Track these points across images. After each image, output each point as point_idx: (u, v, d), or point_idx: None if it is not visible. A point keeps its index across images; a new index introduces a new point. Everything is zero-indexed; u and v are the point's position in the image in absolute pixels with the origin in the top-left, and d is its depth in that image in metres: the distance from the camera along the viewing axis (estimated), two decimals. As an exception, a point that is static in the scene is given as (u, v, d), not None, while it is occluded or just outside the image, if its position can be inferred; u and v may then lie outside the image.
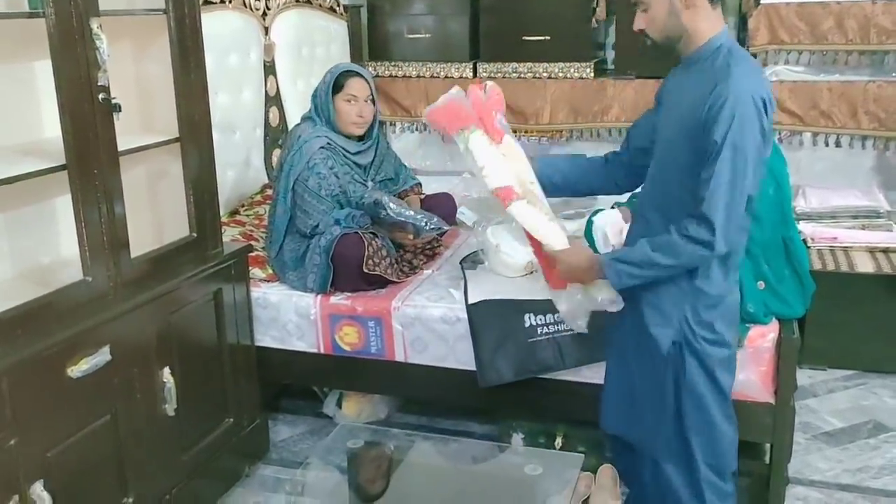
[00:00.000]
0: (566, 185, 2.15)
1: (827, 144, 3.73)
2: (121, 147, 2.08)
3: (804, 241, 3.33)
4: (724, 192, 1.70)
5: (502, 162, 1.95)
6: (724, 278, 1.85)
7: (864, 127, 3.66)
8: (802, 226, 3.47)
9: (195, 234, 2.43)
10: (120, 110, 2.03)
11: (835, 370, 3.35)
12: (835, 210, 3.60)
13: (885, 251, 3.34)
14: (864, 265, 3.24)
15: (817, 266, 3.21)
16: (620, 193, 2.26)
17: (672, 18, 1.79)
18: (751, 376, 2.32)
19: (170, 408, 2.25)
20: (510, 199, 1.93)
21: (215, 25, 3.04)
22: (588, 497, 2.48)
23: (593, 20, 3.94)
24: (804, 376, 3.25)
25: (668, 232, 1.78)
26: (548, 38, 3.99)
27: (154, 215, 2.46)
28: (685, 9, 1.77)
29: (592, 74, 3.97)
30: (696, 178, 1.74)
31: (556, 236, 1.93)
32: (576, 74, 3.98)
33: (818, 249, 3.38)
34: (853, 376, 3.31)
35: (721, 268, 1.84)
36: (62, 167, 1.93)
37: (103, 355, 2.00)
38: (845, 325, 3.25)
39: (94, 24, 1.92)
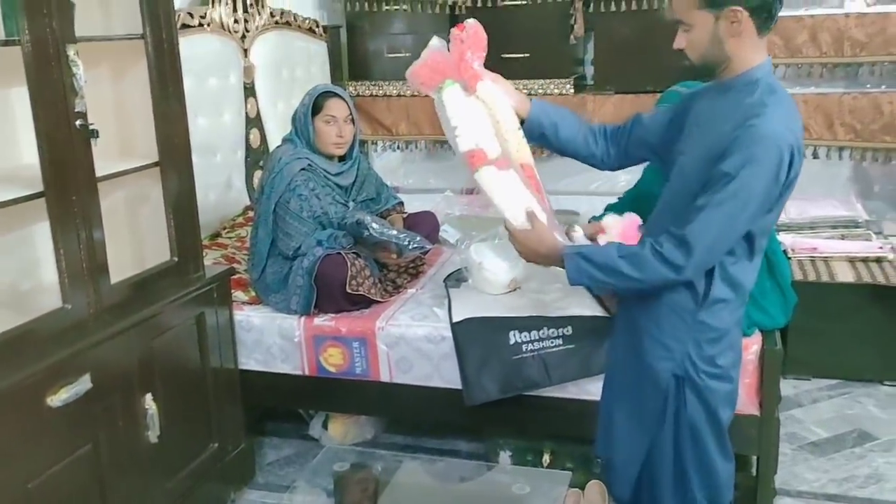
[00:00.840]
0: (554, 137, 2.02)
1: (804, 156, 3.76)
2: (99, 172, 2.07)
3: (785, 252, 3.36)
4: (715, 225, 1.63)
5: (478, 118, 1.85)
6: (730, 312, 1.79)
7: (841, 138, 3.71)
8: (782, 236, 3.50)
9: (176, 259, 2.41)
10: (98, 136, 2.01)
11: (819, 380, 3.37)
12: (814, 220, 3.63)
13: (865, 260, 3.37)
14: (845, 275, 3.27)
15: (798, 276, 3.23)
16: (601, 169, 2.11)
17: (715, 44, 1.66)
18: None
19: (153, 435, 2.22)
20: (479, 163, 1.83)
21: (194, 48, 3.04)
22: (576, 514, 2.47)
23: (571, 37, 3.97)
24: (788, 386, 3.27)
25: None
26: (527, 55, 4.02)
27: (134, 240, 2.45)
28: (730, 37, 1.64)
29: (573, 90, 4.00)
30: None
31: (519, 211, 1.85)
32: (556, 90, 4.00)
33: (799, 260, 3.41)
34: (837, 385, 3.33)
35: (729, 302, 1.77)
36: (39, 194, 1.91)
37: (84, 383, 1.97)
38: (828, 335, 3.28)
39: (71, 50, 1.91)
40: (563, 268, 1.78)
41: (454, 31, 1.91)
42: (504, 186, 1.88)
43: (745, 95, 1.66)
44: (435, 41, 1.92)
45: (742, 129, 1.61)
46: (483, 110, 1.90)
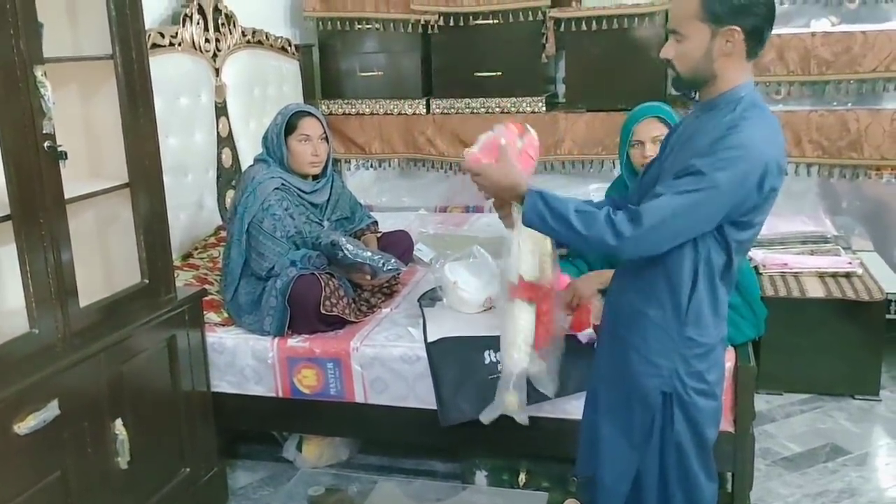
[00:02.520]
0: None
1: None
2: (68, 194, 2.04)
3: (755, 267, 3.40)
4: (670, 209, 1.62)
5: (537, 247, 1.92)
6: (714, 327, 1.78)
7: (809, 155, 3.77)
8: (753, 252, 3.54)
9: (147, 281, 2.38)
10: (66, 158, 1.98)
11: (791, 394, 3.40)
12: (784, 236, 3.68)
13: (834, 276, 3.41)
14: (815, 290, 3.31)
15: (769, 292, 3.26)
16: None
17: (706, 60, 1.67)
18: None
19: (123, 461, 2.18)
20: (520, 295, 1.93)
21: (165, 68, 3.02)
22: (554, 534, 2.46)
23: (543, 55, 4.00)
24: (761, 401, 3.29)
25: (658, 282, 1.74)
26: (499, 73, 4.05)
27: (104, 262, 2.41)
28: (722, 55, 1.66)
29: (544, 108, 4.03)
30: None
31: (523, 347, 1.95)
32: (528, 109, 4.03)
33: (770, 276, 3.44)
34: (809, 400, 3.36)
35: (713, 316, 1.78)
36: (6, 217, 1.87)
37: (52, 410, 1.93)
38: (799, 350, 3.31)
39: (39, 71, 1.89)
40: (520, 202, 1.75)
41: (511, 126, 1.90)
42: (524, 318, 1.95)
43: (726, 113, 1.68)
44: (499, 129, 1.89)
45: (719, 139, 1.62)
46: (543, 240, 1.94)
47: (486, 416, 2.06)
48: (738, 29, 1.64)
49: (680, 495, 1.85)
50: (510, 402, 2.02)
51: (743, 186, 1.62)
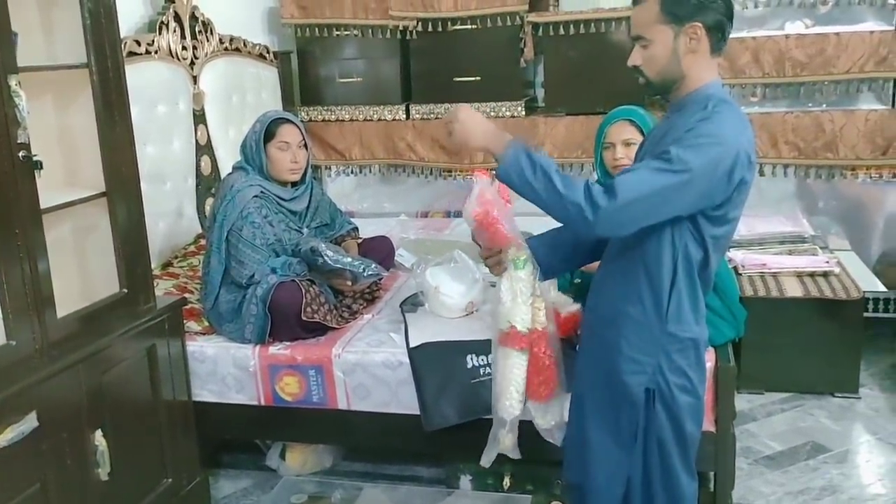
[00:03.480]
0: (565, 261, 2.05)
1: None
2: (44, 204, 2.03)
3: (735, 268, 3.43)
4: (646, 186, 1.62)
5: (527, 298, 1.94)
6: (695, 321, 1.80)
7: (785, 156, 3.80)
8: (732, 253, 3.57)
9: (126, 290, 2.36)
10: (41, 167, 1.97)
11: (772, 393, 3.43)
12: (762, 237, 3.71)
13: (812, 275, 3.44)
14: (793, 290, 3.33)
15: (749, 292, 3.29)
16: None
17: (673, 60, 1.71)
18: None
19: (103, 472, 2.16)
20: (510, 344, 1.95)
21: (141, 76, 3.00)
22: (538, 537, 2.46)
23: (522, 60, 4.02)
24: (742, 401, 3.31)
25: (639, 279, 1.76)
26: (478, 78, 4.06)
27: (82, 272, 2.39)
28: (687, 53, 1.70)
29: (524, 113, 4.04)
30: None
31: (516, 394, 1.97)
32: (507, 113, 4.04)
33: (749, 276, 3.47)
34: (790, 398, 3.39)
35: (692, 310, 1.79)
36: (-19, 228, 1.86)
37: (30, 422, 1.91)
38: (779, 349, 3.34)
39: (13, 81, 1.87)
40: (500, 152, 1.72)
41: (480, 174, 1.93)
42: (516, 367, 1.97)
43: (696, 110, 1.70)
44: (479, 179, 1.91)
45: (691, 129, 1.65)
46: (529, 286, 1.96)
47: (486, 460, 2.07)
48: (700, 24, 1.68)
49: (662, 494, 1.86)
50: (505, 445, 2.05)
51: (714, 174, 1.64)
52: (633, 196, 1.62)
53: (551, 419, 2.04)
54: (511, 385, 1.98)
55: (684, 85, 1.74)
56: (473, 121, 1.80)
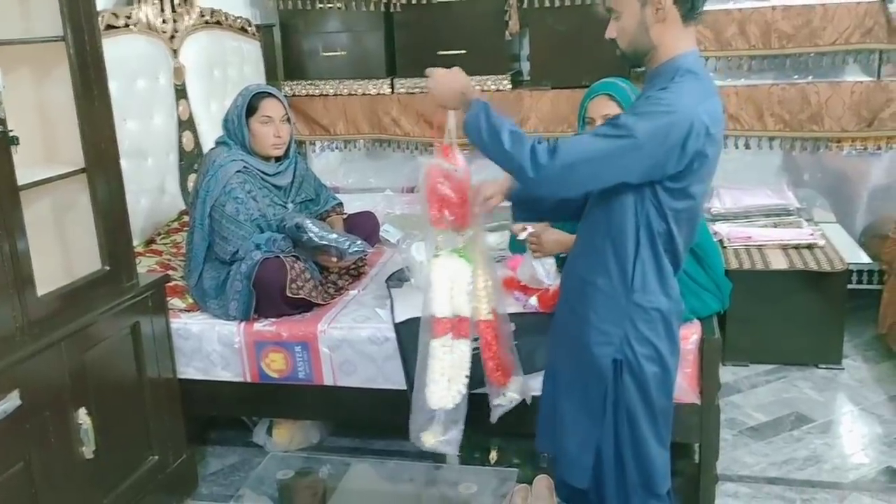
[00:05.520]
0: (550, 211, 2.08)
1: (737, 146, 3.85)
2: (22, 180, 1.99)
3: (720, 241, 3.43)
4: (587, 148, 1.67)
5: (461, 285, 2.01)
6: (662, 293, 1.80)
7: (771, 128, 3.80)
8: (718, 226, 3.58)
9: (108, 267, 2.33)
10: (18, 143, 1.93)
11: (756, 365, 3.45)
12: (748, 209, 3.72)
13: (797, 247, 3.46)
14: (778, 262, 3.34)
15: (734, 265, 3.30)
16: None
17: (641, 31, 1.72)
18: (677, 379, 2.35)
19: (87, 450, 2.15)
20: (441, 332, 2.03)
21: (120, 50, 2.95)
22: (525, 509, 2.48)
23: (507, 33, 3.98)
24: (727, 373, 3.33)
25: (605, 251, 1.79)
26: (463, 51, 4.01)
27: (63, 249, 2.36)
28: (655, 23, 1.70)
29: (510, 86, 4.01)
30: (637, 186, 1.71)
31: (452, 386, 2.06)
32: (493, 87, 4.01)
33: (734, 249, 3.48)
34: (774, 370, 3.41)
35: (658, 281, 1.79)
36: (-43, 205, 1.83)
37: (12, 400, 1.90)
38: (764, 321, 3.36)
39: (-14, 54, 1.83)
40: (466, 112, 1.80)
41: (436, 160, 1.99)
42: (451, 356, 2.03)
43: (665, 81, 1.70)
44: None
45: (647, 97, 1.69)
46: (467, 274, 2.01)
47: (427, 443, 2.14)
48: None
49: (633, 463, 1.89)
50: (427, 440, 2.09)
51: (664, 143, 1.64)
52: (573, 158, 1.67)
53: (511, 398, 2.12)
54: (443, 374, 2.04)
55: (656, 56, 1.74)
56: (446, 79, 1.86)
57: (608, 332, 1.82)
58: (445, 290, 2.00)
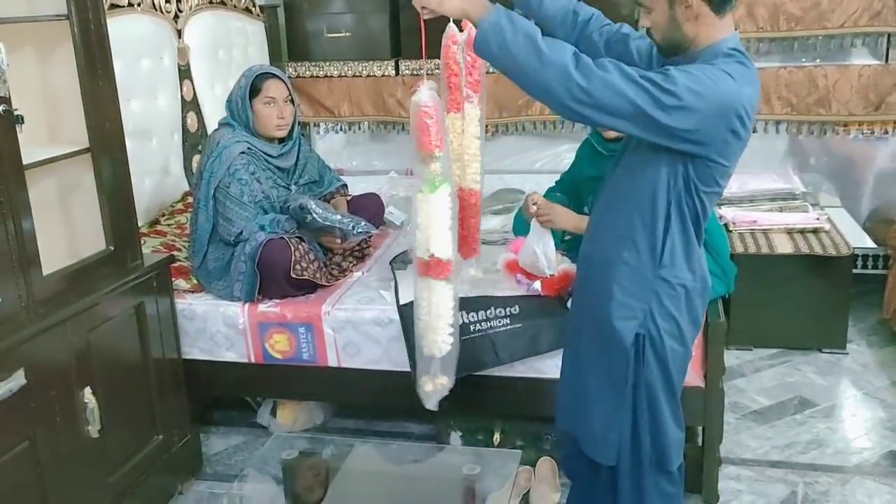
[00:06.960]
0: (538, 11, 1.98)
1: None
2: (27, 160, 1.99)
3: (726, 225, 3.42)
4: (629, 84, 1.57)
5: (444, 224, 1.97)
6: (688, 269, 1.79)
7: (777, 112, 3.78)
8: (724, 210, 3.57)
9: (112, 247, 2.33)
10: (23, 122, 1.93)
11: (760, 349, 3.45)
12: (753, 194, 3.70)
13: (802, 232, 3.45)
14: (784, 246, 3.34)
15: (739, 249, 3.29)
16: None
17: (673, 28, 1.69)
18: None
19: (93, 429, 2.16)
20: (426, 273, 1.99)
21: (124, 30, 2.94)
22: (528, 490, 2.49)
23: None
24: (732, 357, 3.34)
25: (633, 225, 1.76)
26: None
27: (68, 229, 2.36)
28: (687, 20, 1.67)
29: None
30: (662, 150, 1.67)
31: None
32: (498, 69, 3.98)
33: (739, 233, 3.47)
34: (778, 354, 3.41)
35: (685, 258, 1.78)
36: (-38, 184, 1.83)
37: (18, 379, 1.90)
38: (768, 306, 3.35)
39: (-10, 32, 1.82)
40: (480, 17, 1.65)
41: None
42: (443, 299, 2.02)
43: (706, 60, 1.67)
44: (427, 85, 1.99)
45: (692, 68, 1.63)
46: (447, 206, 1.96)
47: (431, 404, 2.17)
48: None
49: (648, 439, 1.88)
50: (427, 389, 2.11)
51: (708, 109, 1.60)
52: (613, 80, 1.57)
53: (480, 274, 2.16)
54: (441, 319, 2.01)
55: (696, 44, 1.71)
56: None
57: (632, 307, 1.80)
58: (446, 227, 1.96)
